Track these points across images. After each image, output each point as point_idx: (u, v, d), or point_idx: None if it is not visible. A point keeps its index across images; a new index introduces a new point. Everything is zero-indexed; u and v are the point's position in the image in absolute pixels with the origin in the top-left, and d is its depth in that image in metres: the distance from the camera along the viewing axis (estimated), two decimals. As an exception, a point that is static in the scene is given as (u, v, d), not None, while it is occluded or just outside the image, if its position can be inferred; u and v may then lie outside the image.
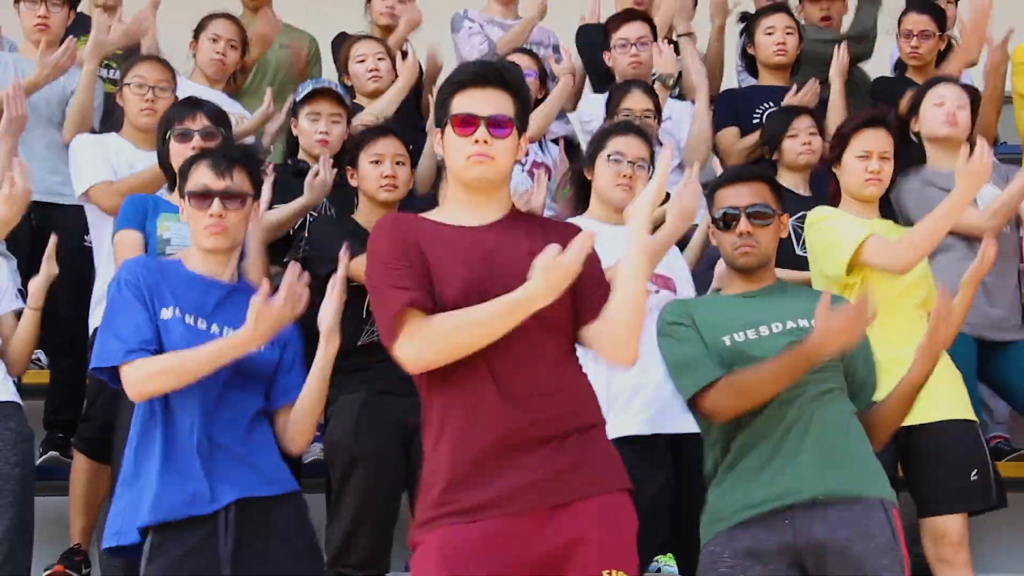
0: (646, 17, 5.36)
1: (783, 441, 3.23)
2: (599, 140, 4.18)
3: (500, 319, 2.76)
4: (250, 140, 4.97)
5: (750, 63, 5.47)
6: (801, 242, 4.42)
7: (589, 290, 2.94)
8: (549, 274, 2.66)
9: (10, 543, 3.90)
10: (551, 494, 2.86)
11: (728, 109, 5.40)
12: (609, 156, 4.06)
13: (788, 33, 5.30)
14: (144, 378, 3.18)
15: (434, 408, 2.95)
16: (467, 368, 2.85)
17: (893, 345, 3.56)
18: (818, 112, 4.90)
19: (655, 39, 5.30)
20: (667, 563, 4.26)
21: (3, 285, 4.27)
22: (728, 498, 3.29)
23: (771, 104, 5.07)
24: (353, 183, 4.28)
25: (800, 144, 4.59)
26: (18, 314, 4.31)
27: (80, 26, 5.35)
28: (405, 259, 2.91)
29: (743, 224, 3.34)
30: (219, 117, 4.12)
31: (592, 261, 2.92)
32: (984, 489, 4.07)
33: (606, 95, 5.01)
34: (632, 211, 2.86)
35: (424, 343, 2.77)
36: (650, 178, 4.14)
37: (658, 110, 4.86)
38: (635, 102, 4.77)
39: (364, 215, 4.19)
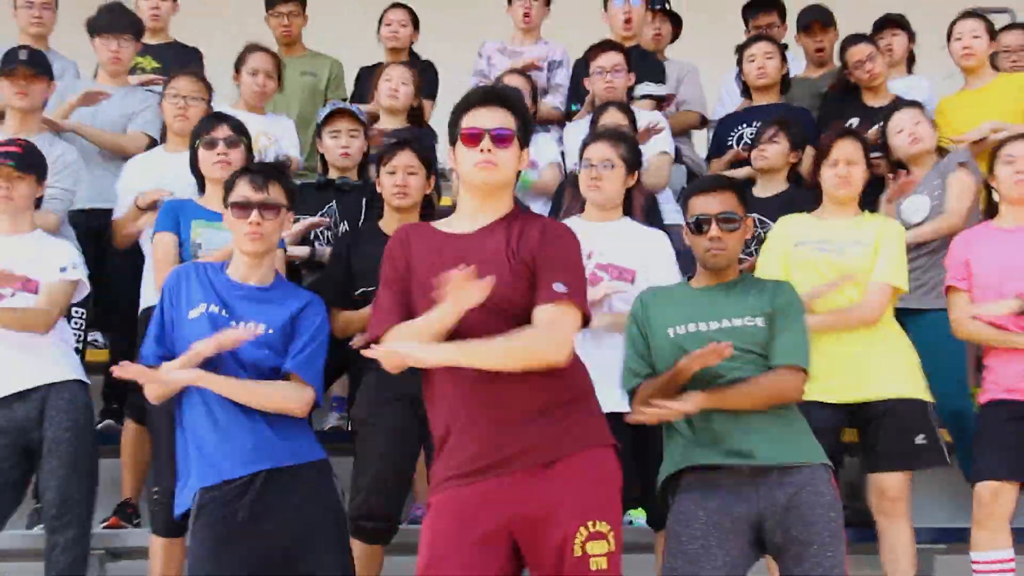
0: (620, 48, 5.64)
1: (734, 416, 3.46)
2: (580, 153, 4.46)
3: (431, 329, 2.99)
4: (277, 157, 5.16)
5: (744, 88, 5.78)
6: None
7: (545, 279, 3.10)
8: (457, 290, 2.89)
9: (63, 498, 4.14)
10: (540, 454, 3.07)
11: (713, 143, 5.73)
12: (583, 163, 4.37)
13: (768, 58, 5.58)
14: (163, 377, 3.52)
15: (432, 385, 3.17)
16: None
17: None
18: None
19: (629, 68, 5.52)
20: (637, 516, 4.50)
21: (72, 257, 4.39)
22: (687, 458, 3.52)
23: (745, 126, 5.43)
24: (379, 188, 4.52)
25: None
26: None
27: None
28: (398, 283, 3.18)
29: (714, 230, 3.59)
30: (240, 128, 4.42)
31: (549, 248, 3.12)
32: (931, 452, 4.30)
33: (590, 117, 5.29)
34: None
35: (391, 359, 3.04)
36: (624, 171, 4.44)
37: (633, 124, 5.11)
38: (610, 118, 5.06)
39: (386, 221, 4.44)
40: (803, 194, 4.85)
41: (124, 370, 3.50)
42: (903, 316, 4.57)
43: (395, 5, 6.27)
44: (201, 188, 4.40)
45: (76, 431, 4.21)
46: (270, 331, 3.62)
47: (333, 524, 3.67)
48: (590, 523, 3.03)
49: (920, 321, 4.71)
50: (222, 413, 3.57)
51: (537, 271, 3.07)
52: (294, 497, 3.58)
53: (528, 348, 2.96)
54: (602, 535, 3.03)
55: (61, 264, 4.30)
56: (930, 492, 4.90)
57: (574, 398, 3.17)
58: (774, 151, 5.00)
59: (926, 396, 4.29)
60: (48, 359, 4.20)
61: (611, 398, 3.72)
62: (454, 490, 3.10)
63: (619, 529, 3.06)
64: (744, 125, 5.51)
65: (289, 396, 3.55)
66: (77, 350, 4.56)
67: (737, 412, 3.47)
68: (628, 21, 5.98)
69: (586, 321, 3.08)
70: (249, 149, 4.41)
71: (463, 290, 2.90)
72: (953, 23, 5.56)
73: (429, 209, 4.51)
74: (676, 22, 6.51)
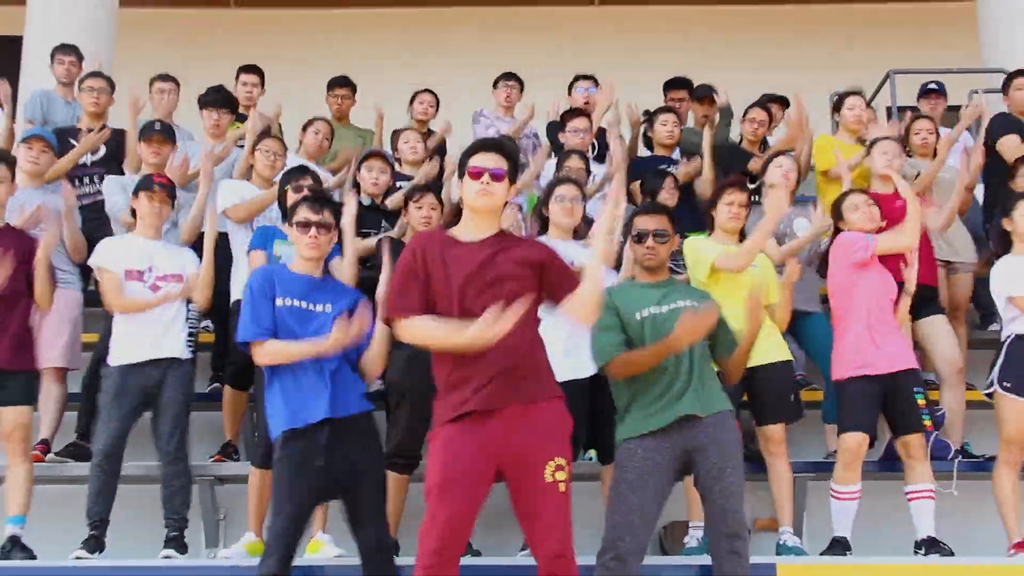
0: (587, 114, 6.70)
1: (669, 383, 3.94)
2: (550, 189, 4.96)
3: (445, 344, 3.41)
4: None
5: (648, 142, 6.84)
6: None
7: (557, 281, 3.51)
8: (488, 327, 3.24)
9: (179, 443, 4.77)
10: (509, 398, 3.43)
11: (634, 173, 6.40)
12: (556, 198, 4.87)
13: (675, 125, 6.69)
14: (260, 355, 3.98)
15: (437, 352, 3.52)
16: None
17: (737, 320, 4.19)
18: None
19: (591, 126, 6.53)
20: (591, 454, 5.07)
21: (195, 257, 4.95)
22: (635, 422, 3.97)
23: (672, 179, 6.04)
24: (405, 220, 5.18)
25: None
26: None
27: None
28: (412, 272, 3.48)
29: (650, 241, 4.13)
30: (316, 177, 5.09)
31: (556, 258, 3.54)
32: (796, 407, 4.97)
33: (556, 160, 6.18)
34: (595, 234, 3.63)
35: (405, 335, 3.53)
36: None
37: (587, 169, 5.98)
38: (572, 163, 5.89)
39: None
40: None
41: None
42: (797, 316, 5.24)
43: (427, 90, 7.37)
44: (284, 217, 4.87)
45: (184, 395, 4.79)
46: (329, 306, 4.01)
47: (376, 461, 4.04)
48: (555, 459, 3.45)
49: (808, 320, 5.45)
50: (302, 374, 3.94)
51: (549, 277, 3.50)
52: (350, 440, 3.93)
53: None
54: (563, 467, 3.44)
55: (192, 261, 4.93)
56: (804, 436, 5.64)
57: (539, 362, 3.58)
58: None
59: (788, 356, 4.89)
60: (176, 340, 4.83)
61: (564, 368, 4.09)
62: (445, 427, 3.45)
63: (571, 464, 3.49)
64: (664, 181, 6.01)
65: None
66: (191, 333, 5.08)
67: (681, 370, 3.90)
68: (587, 103, 7.03)
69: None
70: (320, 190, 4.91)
71: (492, 328, 3.23)
72: (844, 96, 6.57)
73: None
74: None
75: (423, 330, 3.44)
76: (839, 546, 4.84)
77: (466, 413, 3.42)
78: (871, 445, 4.92)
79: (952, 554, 4.77)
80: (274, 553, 3.82)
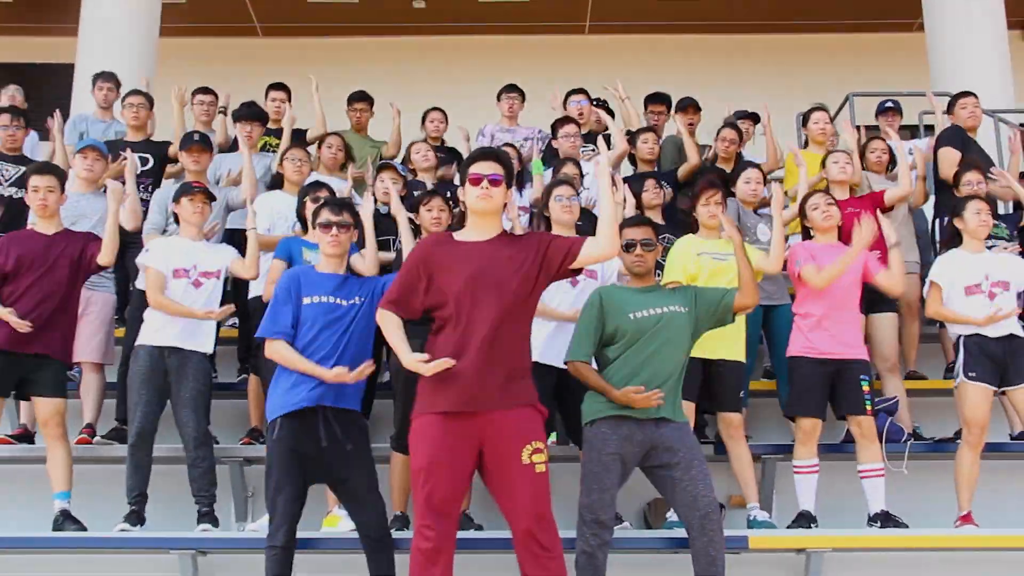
0: (576, 121, 6.78)
1: (657, 376, 4.03)
2: (548, 191, 4.99)
3: (396, 347, 3.57)
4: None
5: (632, 158, 6.86)
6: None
7: (560, 250, 3.53)
8: (408, 361, 3.41)
9: (201, 429, 4.79)
10: (490, 403, 3.51)
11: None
12: (556, 198, 4.92)
13: (655, 143, 6.75)
14: (270, 351, 4.10)
15: (434, 343, 3.58)
16: (451, 326, 3.52)
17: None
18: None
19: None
20: (552, 438, 5.07)
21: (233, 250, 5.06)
22: (607, 405, 4.04)
23: (653, 180, 6.09)
24: (418, 222, 5.14)
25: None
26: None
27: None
28: (415, 273, 3.56)
29: (638, 249, 4.25)
30: (330, 190, 5.18)
31: (554, 237, 3.63)
32: (742, 400, 5.01)
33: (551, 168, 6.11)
34: (600, 161, 3.65)
35: (380, 324, 3.65)
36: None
37: (581, 173, 5.97)
38: (567, 169, 5.91)
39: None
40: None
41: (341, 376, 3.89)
42: (766, 309, 5.40)
43: (436, 108, 7.51)
44: (304, 227, 5.08)
45: (205, 386, 4.85)
46: (358, 299, 4.09)
47: (365, 454, 4.14)
48: (532, 443, 3.56)
49: (775, 312, 5.54)
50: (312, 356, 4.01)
51: (551, 242, 3.57)
52: (342, 431, 4.04)
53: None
54: (540, 450, 3.55)
55: (232, 254, 5.04)
56: (771, 422, 5.80)
57: (524, 369, 3.66)
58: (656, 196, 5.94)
59: (742, 358, 4.94)
60: (204, 336, 4.89)
61: (546, 353, 4.39)
62: (440, 418, 3.51)
63: (546, 451, 3.61)
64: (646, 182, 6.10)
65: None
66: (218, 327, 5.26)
67: (651, 381, 3.99)
68: (580, 115, 7.11)
69: None
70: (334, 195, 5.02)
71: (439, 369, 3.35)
72: (810, 112, 6.71)
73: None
74: (610, 112, 7.46)
75: (386, 326, 3.61)
76: (804, 519, 4.91)
77: (452, 411, 3.51)
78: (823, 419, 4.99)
79: (906, 526, 4.84)
80: (282, 525, 3.95)
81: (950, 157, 6.51)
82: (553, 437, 5.11)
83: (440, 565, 3.49)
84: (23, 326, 4.73)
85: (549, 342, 4.58)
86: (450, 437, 3.48)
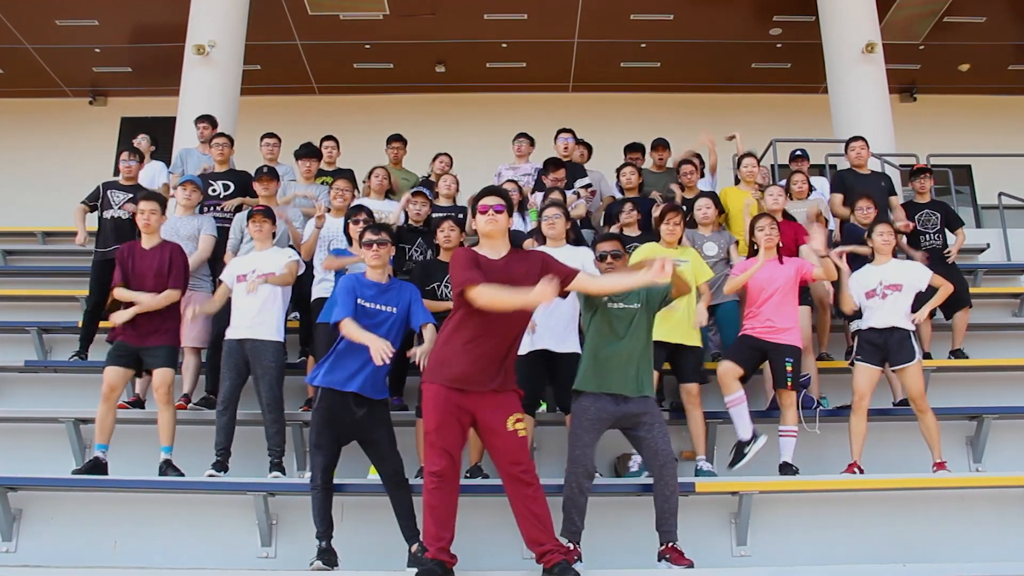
0: (563, 164, 6.51)
1: (624, 365, 3.96)
2: (541, 212, 4.93)
3: (513, 303, 3.35)
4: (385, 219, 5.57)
5: (619, 187, 6.65)
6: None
7: (554, 272, 3.43)
8: (545, 289, 3.22)
9: (275, 398, 4.71)
10: (482, 386, 3.50)
11: (606, 215, 6.36)
12: (543, 218, 4.85)
13: (632, 174, 6.56)
14: (344, 328, 3.90)
15: (451, 324, 3.51)
16: (477, 315, 3.44)
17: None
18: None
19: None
20: (542, 407, 4.93)
21: (292, 254, 4.97)
22: (590, 380, 4.00)
23: (630, 204, 5.86)
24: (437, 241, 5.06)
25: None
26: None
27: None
28: (474, 263, 3.49)
29: (609, 259, 4.25)
30: (369, 212, 5.08)
31: (550, 259, 3.53)
32: (703, 374, 4.90)
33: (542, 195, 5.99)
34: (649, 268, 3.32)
35: (480, 298, 3.40)
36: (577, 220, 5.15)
37: (565, 200, 5.80)
38: (555, 196, 5.72)
39: (442, 256, 4.96)
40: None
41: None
42: (714, 306, 5.29)
43: (443, 153, 7.33)
44: (349, 242, 5.08)
45: (277, 367, 4.79)
46: (393, 309, 4.00)
47: (386, 422, 4.09)
48: (515, 414, 3.54)
49: (722, 307, 5.45)
50: (351, 355, 3.97)
51: (548, 261, 3.50)
52: (368, 408, 4.02)
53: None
54: (521, 420, 3.53)
55: (290, 257, 4.97)
56: (713, 395, 5.16)
57: (512, 362, 3.58)
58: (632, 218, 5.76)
59: (699, 344, 4.87)
60: (269, 327, 4.80)
61: (540, 340, 4.33)
62: (443, 388, 3.48)
63: (525, 419, 3.57)
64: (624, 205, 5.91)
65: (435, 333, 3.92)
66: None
67: (626, 360, 3.92)
68: (566, 149, 6.92)
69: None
70: (371, 217, 5.05)
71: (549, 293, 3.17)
72: (742, 157, 6.58)
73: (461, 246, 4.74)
74: (590, 149, 7.47)
75: (491, 293, 3.36)
76: (738, 449, 4.74)
77: (455, 387, 3.47)
78: (744, 380, 4.85)
79: (797, 472, 4.73)
80: (319, 472, 3.94)
81: (835, 200, 6.69)
82: (543, 407, 4.99)
83: (444, 491, 3.47)
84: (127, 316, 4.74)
85: (543, 323, 4.44)
86: (450, 404, 3.45)
